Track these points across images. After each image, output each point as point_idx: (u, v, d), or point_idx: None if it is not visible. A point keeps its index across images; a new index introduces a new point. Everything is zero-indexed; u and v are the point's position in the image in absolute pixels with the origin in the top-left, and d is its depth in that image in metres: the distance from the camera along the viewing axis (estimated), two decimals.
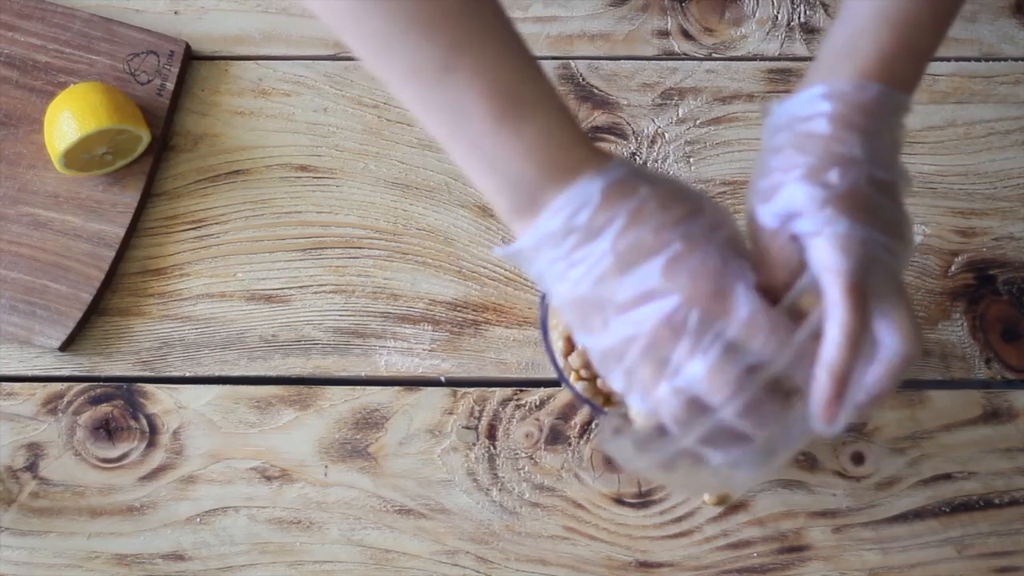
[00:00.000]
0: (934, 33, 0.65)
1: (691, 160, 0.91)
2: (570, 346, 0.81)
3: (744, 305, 0.59)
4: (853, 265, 0.60)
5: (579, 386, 0.80)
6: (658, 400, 0.61)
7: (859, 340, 0.59)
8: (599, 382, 0.82)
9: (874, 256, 0.61)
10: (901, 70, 0.64)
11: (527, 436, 0.86)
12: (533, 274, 0.63)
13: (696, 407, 0.60)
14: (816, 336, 0.60)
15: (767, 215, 0.63)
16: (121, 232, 0.89)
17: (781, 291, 0.62)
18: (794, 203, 0.61)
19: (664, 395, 0.60)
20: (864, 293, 0.60)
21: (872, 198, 0.62)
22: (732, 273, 0.60)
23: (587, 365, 0.81)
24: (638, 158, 0.91)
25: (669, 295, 0.59)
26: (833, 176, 0.61)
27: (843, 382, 0.59)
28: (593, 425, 0.86)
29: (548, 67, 0.93)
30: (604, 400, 0.81)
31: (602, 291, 0.60)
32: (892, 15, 0.63)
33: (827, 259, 0.60)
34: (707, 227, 0.61)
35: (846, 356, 0.59)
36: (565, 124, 0.61)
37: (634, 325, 0.60)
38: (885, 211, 0.62)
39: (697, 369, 0.59)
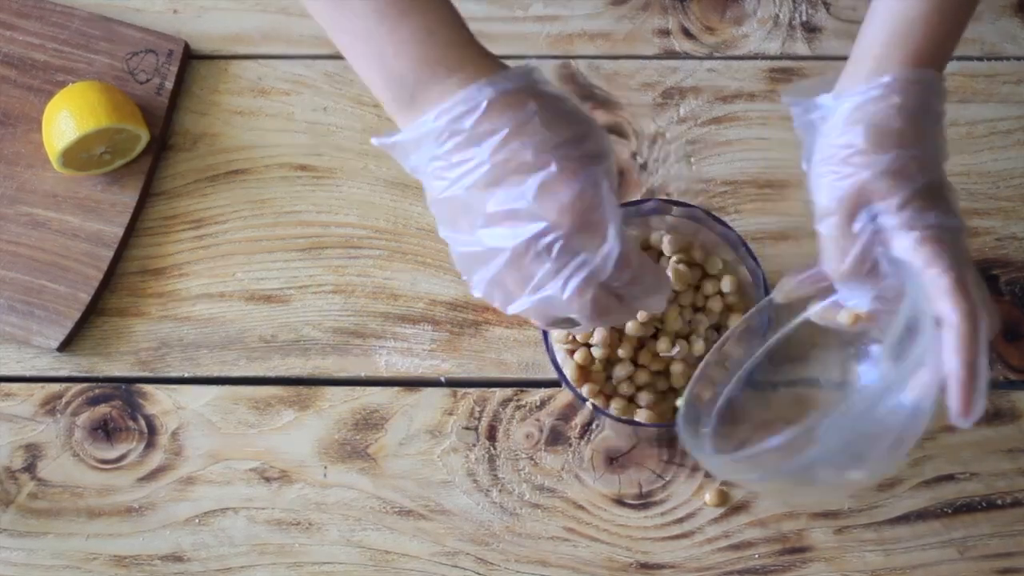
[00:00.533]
0: (967, 15, 0.67)
1: (692, 159, 0.91)
2: (574, 345, 0.81)
3: (615, 245, 0.61)
4: (951, 259, 0.62)
5: (584, 389, 0.80)
6: (519, 305, 0.63)
7: (979, 330, 0.62)
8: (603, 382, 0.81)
9: (957, 243, 0.63)
10: (946, 55, 0.67)
11: (527, 437, 0.85)
12: (408, 167, 0.64)
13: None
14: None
15: (842, 210, 0.65)
16: (120, 232, 0.89)
17: (841, 278, 0.67)
18: (875, 199, 0.64)
19: (526, 304, 0.63)
20: (966, 282, 0.62)
21: (944, 186, 0.65)
22: (607, 210, 0.61)
23: (589, 364, 0.81)
24: (639, 157, 0.91)
25: (537, 219, 0.61)
26: (914, 171, 0.64)
27: (977, 373, 0.61)
28: (594, 426, 0.85)
29: (548, 67, 0.93)
30: (605, 400, 0.81)
31: (473, 198, 0.62)
32: (939, 2, 0.65)
33: (926, 255, 0.63)
34: (588, 154, 0.62)
35: (974, 349, 0.61)
36: (450, 23, 0.62)
37: (500, 239, 0.62)
38: (952, 196, 0.65)
39: (557, 290, 0.62)
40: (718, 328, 0.82)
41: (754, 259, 0.79)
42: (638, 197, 0.89)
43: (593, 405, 0.78)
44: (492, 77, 0.61)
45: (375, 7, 0.61)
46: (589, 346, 0.80)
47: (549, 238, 0.61)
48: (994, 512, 0.83)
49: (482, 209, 0.61)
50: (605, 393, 0.81)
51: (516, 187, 0.61)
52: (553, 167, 0.60)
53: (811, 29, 0.93)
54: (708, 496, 0.84)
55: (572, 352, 0.80)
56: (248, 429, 0.86)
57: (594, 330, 0.80)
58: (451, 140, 0.61)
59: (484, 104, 0.60)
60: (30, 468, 0.86)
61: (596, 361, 0.81)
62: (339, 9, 0.62)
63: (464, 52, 0.62)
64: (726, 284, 0.82)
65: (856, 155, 0.64)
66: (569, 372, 0.80)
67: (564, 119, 0.62)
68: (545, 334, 0.79)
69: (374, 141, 0.64)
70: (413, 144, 0.62)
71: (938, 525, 0.83)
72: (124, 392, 0.87)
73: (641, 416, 0.80)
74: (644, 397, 0.81)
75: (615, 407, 0.80)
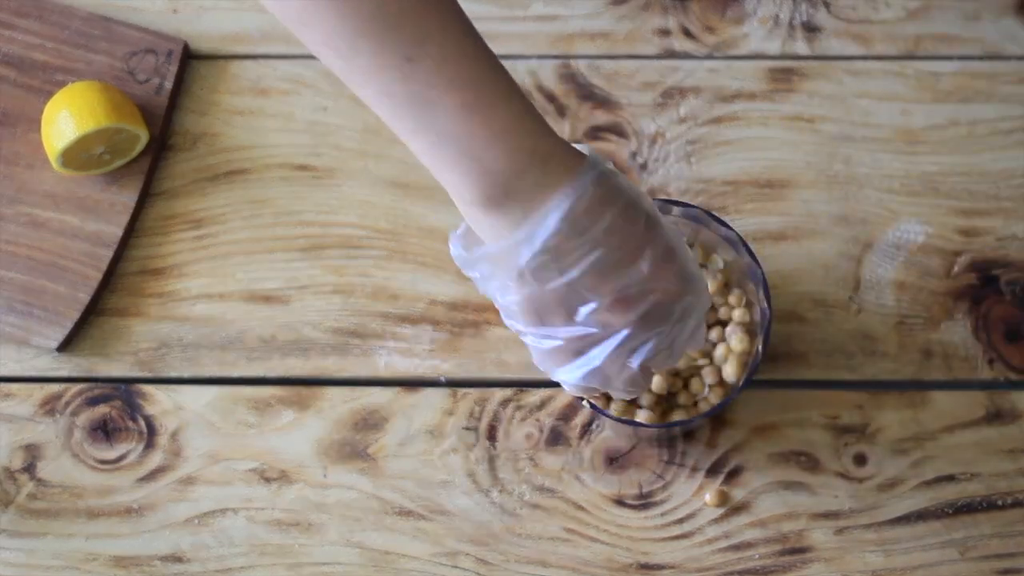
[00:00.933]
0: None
1: (692, 160, 0.90)
2: None
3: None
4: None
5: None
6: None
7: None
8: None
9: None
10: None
11: (527, 437, 0.85)
12: (508, 270, 0.63)
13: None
14: None
15: None
16: (119, 232, 0.89)
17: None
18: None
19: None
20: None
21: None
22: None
23: None
24: (638, 157, 0.90)
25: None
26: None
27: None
28: (594, 426, 0.85)
29: (548, 66, 0.93)
30: (605, 400, 0.81)
31: (581, 285, 0.63)
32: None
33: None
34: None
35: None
36: (532, 112, 0.62)
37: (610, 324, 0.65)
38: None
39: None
40: (724, 324, 0.82)
41: (754, 259, 0.78)
42: None
43: (592, 405, 0.78)
44: (589, 163, 0.62)
45: (460, 98, 0.59)
46: None
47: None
48: (995, 513, 0.83)
49: (594, 292, 0.63)
50: (604, 393, 0.81)
51: (632, 267, 0.63)
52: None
53: (811, 29, 0.93)
54: (708, 496, 0.84)
55: None
56: (248, 429, 0.86)
57: None
58: (564, 230, 0.61)
59: (590, 191, 0.61)
60: (29, 468, 0.86)
61: None
62: (423, 108, 0.60)
63: (552, 141, 0.62)
64: (718, 266, 0.82)
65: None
66: None
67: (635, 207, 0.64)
68: None
69: (459, 257, 0.65)
70: (518, 244, 0.62)
71: (939, 526, 0.83)
72: (124, 392, 0.87)
73: (641, 417, 0.80)
74: (645, 398, 0.81)
75: (614, 408, 0.80)
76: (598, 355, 0.66)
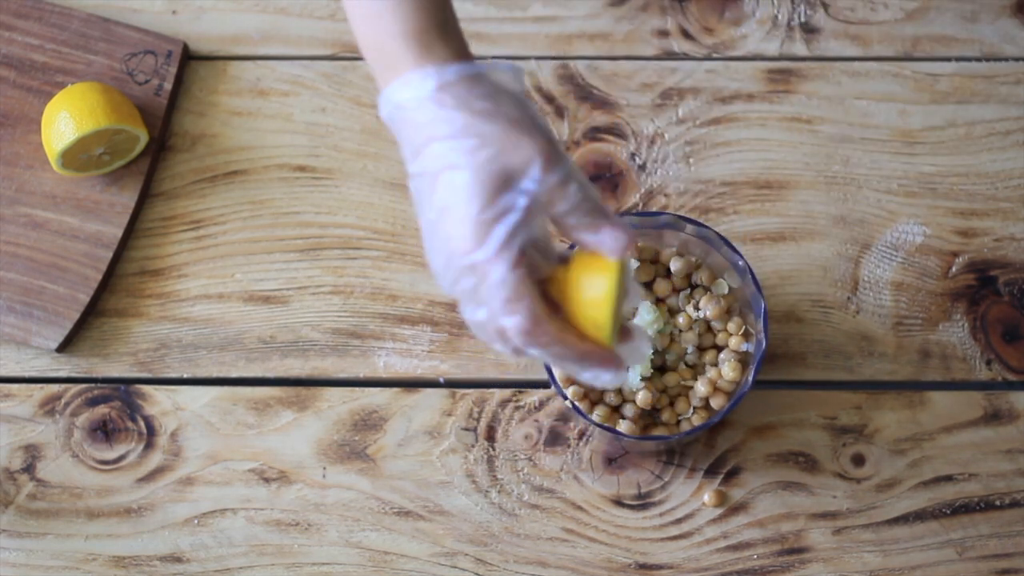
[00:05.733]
0: None
1: (690, 160, 0.91)
2: None
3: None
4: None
5: (569, 391, 0.80)
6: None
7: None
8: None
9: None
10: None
11: (526, 437, 0.85)
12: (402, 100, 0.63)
13: None
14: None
15: None
16: (119, 233, 0.89)
17: None
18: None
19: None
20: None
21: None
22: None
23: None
24: (637, 158, 0.91)
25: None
26: None
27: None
28: (593, 426, 0.85)
29: (547, 67, 0.93)
30: (590, 405, 0.81)
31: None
32: None
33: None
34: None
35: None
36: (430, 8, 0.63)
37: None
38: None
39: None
40: (720, 349, 0.82)
41: (759, 290, 0.78)
42: (636, 198, 0.89)
43: (574, 406, 0.78)
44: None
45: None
46: None
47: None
48: (992, 513, 0.83)
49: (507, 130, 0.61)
50: (591, 399, 0.81)
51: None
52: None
53: (810, 30, 0.93)
54: (707, 497, 0.84)
55: None
56: (247, 430, 0.86)
57: None
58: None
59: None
60: (29, 469, 0.86)
61: None
62: None
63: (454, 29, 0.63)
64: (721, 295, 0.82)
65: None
66: (559, 372, 0.80)
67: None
68: None
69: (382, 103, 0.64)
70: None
71: (936, 526, 0.83)
72: (123, 393, 0.87)
73: (623, 427, 0.80)
74: (629, 409, 0.81)
75: (598, 413, 0.80)
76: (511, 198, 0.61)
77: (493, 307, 0.61)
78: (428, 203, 0.62)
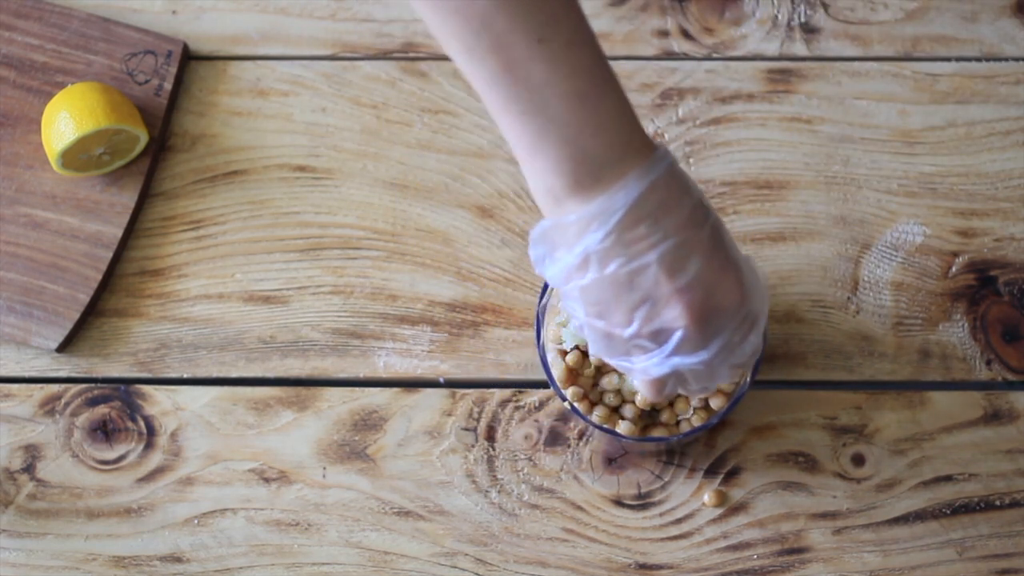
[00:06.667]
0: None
1: (691, 160, 0.91)
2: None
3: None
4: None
5: (568, 392, 0.80)
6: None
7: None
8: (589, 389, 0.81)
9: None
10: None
11: (526, 437, 0.85)
12: (568, 247, 0.63)
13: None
14: None
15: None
16: (119, 233, 0.89)
17: None
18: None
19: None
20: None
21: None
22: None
23: (580, 368, 0.81)
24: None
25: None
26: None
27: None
28: (589, 428, 0.85)
29: None
30: (589, 406, 0.81)
31: (646, 278, 0.63)
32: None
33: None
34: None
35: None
36: (629, 104, 0.63)
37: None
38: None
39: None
40: None
41: None
42: None
43: (573, 408, 0.78)
44: (662, 152, 0.63)
45: (576, 88, 0.60)
46: (585, 352, 0.80)
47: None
48: (992, 513, 0.83)
49: (661, 288, 0.63)
50: (591, 399, 0.81)
51: (698, 267, 0.63)
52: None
53: (810, 30, 0.93)
54: (707, 497, 0.84)
55: (564, 354, 0.80)
56: (247, 430, 0.86)
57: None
58: (636, 212, 0.61)
59: (664, 181, 0.62)
60: (29, 469, 0.86)
61: (590, 367, 0.80)
62: (538, 91, 0.60)
63: (643, 135, 0.63)
64: None
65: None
66: (558, 373, 0.80)
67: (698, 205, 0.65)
68: (538, 332, 0.79)
69: (536, 233, 0.64)
70: (590, 220, 0.62)
71: (936, 526, 0.83)
72: (123, 393, 0.87)
73: (622, 428, 0.80)
74: (629, 410, 0.81)
75: (597, 414, 0.80)
76: (654, 357, 0.65)
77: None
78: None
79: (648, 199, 0.61)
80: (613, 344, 0.66)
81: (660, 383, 0.68)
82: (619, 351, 0.66)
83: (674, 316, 0.63)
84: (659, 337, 0.65)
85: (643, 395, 0.70)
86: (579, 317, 0.66)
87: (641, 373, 0.67)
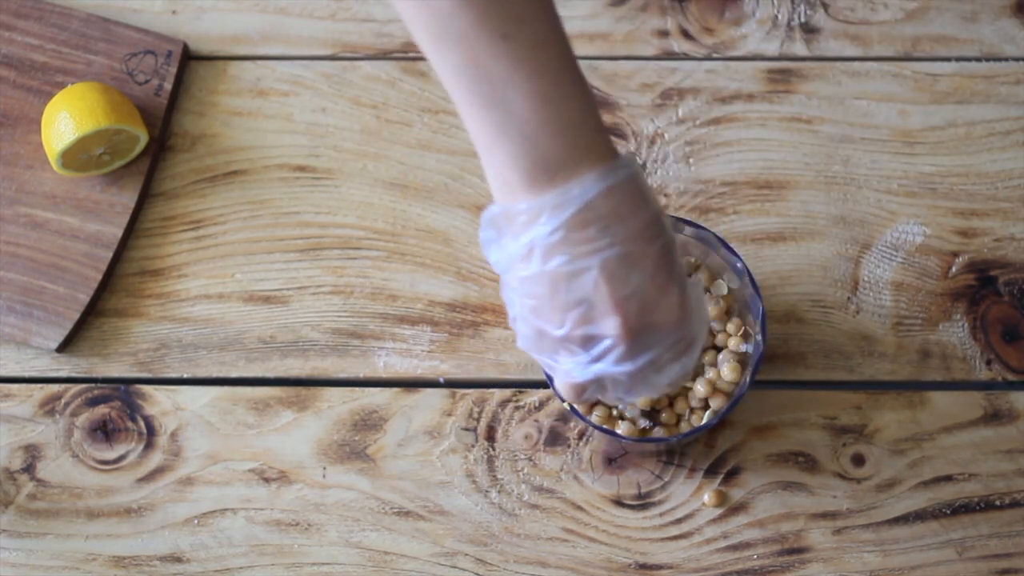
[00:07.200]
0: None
1: (690, 160, 0.91)
2: None
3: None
4: None
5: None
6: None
7: None
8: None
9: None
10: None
11: (526, 437, 0.85)
12: (516, 238, 0.63)
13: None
14: None
15: None
16: (119, 233, 0.89)
17: None
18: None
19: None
20: None
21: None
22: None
23: None
24: (637, 158, 0.91)
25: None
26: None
27: None
28: (589, 428, 0.85)
29: None
30: (588, 407, 0.81)
31: (586, 280, 0.62)
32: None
33: None
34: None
35: None
36: (595, 109, 0.63)
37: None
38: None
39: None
40: (719, 350, 0.82)
41: (757, 292, 0.78)
42: None
43: (572, 409, 0.78)
44: (625, 160, 0.62)
45: (539, 89, 0.60)
46: None
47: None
48: (992, 513, 0.83)
49: (598, 295, 0.62)
50: (591, 402, 0.81)
51: (641, 280, 0.63)
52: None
53: (810, 30, 0.93)
54: (707, 497, 0.84)
55: None
56: (247, 430, 0.86)
57: None
58: (588, 214, 0.61)
59: (621, 187, 0.62)
60: (29, 469, 0.86)
61: None
62: (502, 87, 0.60)
63: (606, 139, 0.63)
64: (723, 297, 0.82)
65: None
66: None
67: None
68: None
69: (486, 216, 0.64)
70: (537, 212, 0.61)
71: (936, 526, 0.83)
72: (123, 393, 0.87)
73: (621, 428, 0.80)
74: (628, 410, 0.81)
75: (597, 415, 0.80)
76: (579, 361, 0.65)
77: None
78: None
79: (602, 202, 0.61)
80: (542, 341, 0.65)
81: (580, 388, 0.67)
82: (547, 349, 0.66)
83: (606, 325, 0.63)
84: (588, 343, 0.64)
85: (562, 394, 0.70)
86: (515, 308, 0.66)
87: (564, 375, 0.67)
